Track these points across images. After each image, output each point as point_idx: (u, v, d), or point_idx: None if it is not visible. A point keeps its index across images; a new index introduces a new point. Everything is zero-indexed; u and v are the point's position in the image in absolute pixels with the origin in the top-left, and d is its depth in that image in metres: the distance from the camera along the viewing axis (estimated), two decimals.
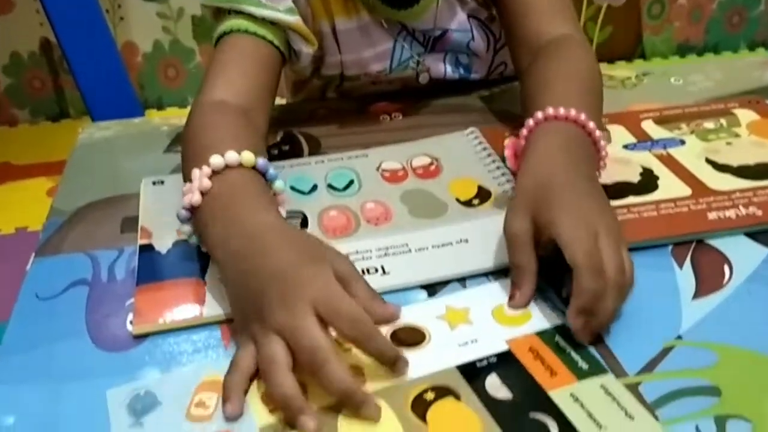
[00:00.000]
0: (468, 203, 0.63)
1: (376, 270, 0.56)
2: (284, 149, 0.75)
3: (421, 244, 0.58)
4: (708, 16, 2.42)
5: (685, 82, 0.85)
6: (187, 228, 0.57)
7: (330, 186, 0.67)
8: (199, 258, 0.59)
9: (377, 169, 0.69)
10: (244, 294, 0.49)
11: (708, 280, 0.55)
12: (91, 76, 1.41)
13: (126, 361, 0.50)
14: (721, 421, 0.44)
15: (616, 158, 0.67)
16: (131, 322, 0.53)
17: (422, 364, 0.48)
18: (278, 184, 0.58)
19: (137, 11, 2.18)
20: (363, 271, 0.56)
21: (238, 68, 0.68)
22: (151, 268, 0.58)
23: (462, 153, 0.71)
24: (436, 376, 0.47)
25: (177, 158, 0.74)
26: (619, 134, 0.72)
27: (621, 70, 0.85)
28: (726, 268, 0.56)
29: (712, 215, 0.60)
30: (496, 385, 0.47)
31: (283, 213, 0.58)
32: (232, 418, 0.45)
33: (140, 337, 0.52)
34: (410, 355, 0.48)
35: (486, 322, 0.51)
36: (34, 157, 1.94)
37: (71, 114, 2.28)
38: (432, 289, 0.55)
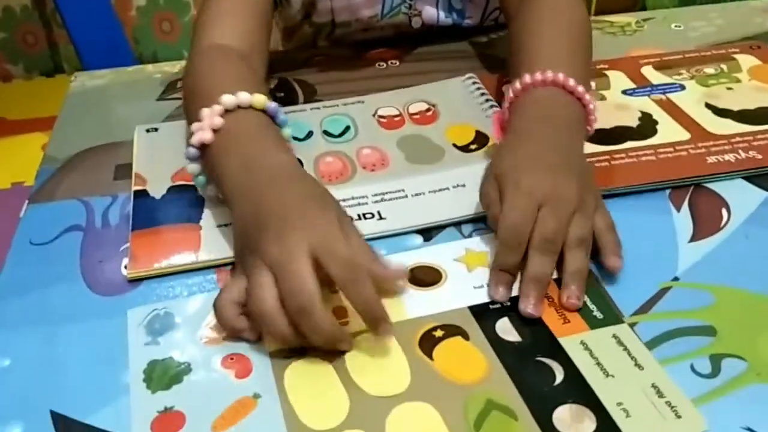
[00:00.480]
0: (465, 148, 0.63)
1: (372, 215, 0.56)
2: (279, 96, 0.74)
3: (417, 190, 0.58)
4: None
5: (686, 28, 0.83)
6: (194, 167, 0.56)
7: (326, 132, 0.66)
8: (194, 204, 0.58)
9: (373, 115, 0.68)
10: (247, 228, 0.48)
11: (705, 223, 0.54)
12: (84, 29, 1.39)
13: (121, 305, 0.50)
14: (716, 360, 0.44)
15: (615, 104, 0.67)
16: (126, 267, 0.53)
17: (435, 303, 0.48)
18: (286, 131, 0.57)
19: None
20: (359, 217, 0.56)
21: (234, 13, 0.67)
22: (146, 213, 0.58)
23: (459, 99, 0.70)
24: (447, 315, 0.47)
25: (170, 106, 0.74)
26: (618, 80, 0.71)
27: (621, 15, 0.83)
28: (724, 211, 0.55)
29: (711, 159, 0.59)
30: (506, 328, 0.46)
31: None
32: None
33: (135, 282, 0.52)
34: (424, 293, 0.49)
35: None
36: (29, 112, 1.92)
37: (65, 69, 2.25)
38: (428, 234, 0.55)
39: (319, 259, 0.44)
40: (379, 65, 0.79)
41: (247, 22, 0.67)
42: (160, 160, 0.64)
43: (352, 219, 0.49)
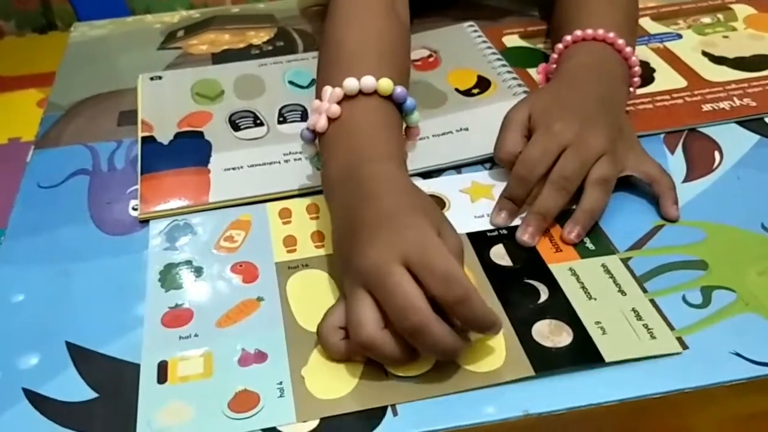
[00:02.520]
0: (467, 93, 0.64)
1: None
2: (278, 45, 0.75)
3: (420, 134, 0.59)
4: None
5: None
6: (309, 149, 0.52)
7: None
8: (202, 149, 0.59)
9: None
10: (342, 243, 0.44)
11: (698, 165, 0.56)
12: None
13: (130, 243, 0.52)
14: (707, 292, 0.45)
15: None
16: (134, 208, 0.54)
17: None
18: (414, 117, 0.52)
19: None
20: None
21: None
22: (154, 158, 0.59)
23: (461, 45, 0.70)
24: None
25: (171, 55, 0.74)
26: None
27: None
28: (716, 154, 0.57)
29: (706, 107, 0.60)
30: (500, 254, 0.49)
31: (414, 146, 0.55)
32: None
33: (143, 222, 0.53)
34: None
35: None
36: (23, 68, 1.91)
37: (58, 26, 2.22)
38: (428, 176, 0.56)
39: (414, 271, 0.39)
40: None
41: None
42: (165, 107, 0.65)
43: (451, 226, 0.44)
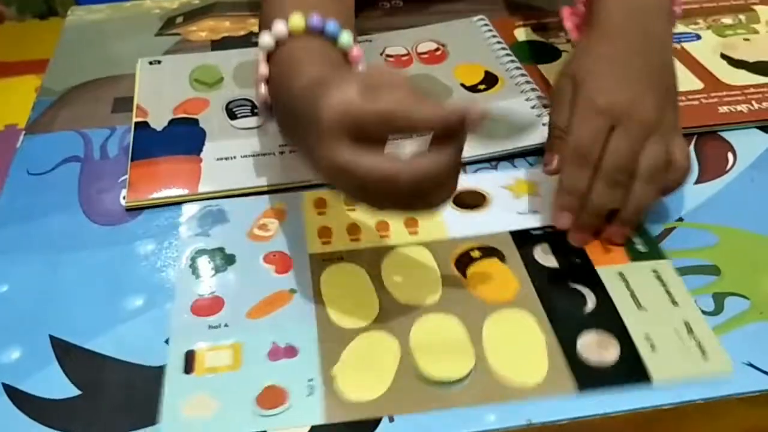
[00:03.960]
0: (473, 88, 0.62)
1: None
2: None
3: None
4: None
5: None
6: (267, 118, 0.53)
7: None
8: (195, 137, 0.58)
9: (381, 54, 0.67)
10: (291, 137, 0.45)
11: (711, 166, 0.54)
12: None
13: (120, 234, 0.50)
14: (719, 298, 0.44)
15: None
16: (125, 198, 0.53)
17: (476, 225, 0.49)
18: (344, 39, 0.48)
19: None
20: None
21: None
22: (146, 145, 0.57)
23: (469, 39, 0.68)
24: (486, 237, 0.48)
25: (169, 41, 0.72)
26: None
27: None
28: (729, 155, 0.55)
29: (722, 109, 0.58)
30: (544, 253, 0.47)
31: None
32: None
33: (134, 212, 0.52)
34: (467, 216, 0.49)
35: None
36: (22, 54, 1.89)
37: (59, 12, 2.20)
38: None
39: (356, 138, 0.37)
40: (382, 5, 0.77)
41: None
42: (162, 92, 0.63)
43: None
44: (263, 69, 0.48)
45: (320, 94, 0.38)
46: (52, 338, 0.43)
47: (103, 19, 0.78)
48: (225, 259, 0.48)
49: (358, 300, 0.43)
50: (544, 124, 0.53)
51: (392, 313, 0.43)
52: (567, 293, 0.44)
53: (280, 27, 0.47)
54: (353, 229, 0.49)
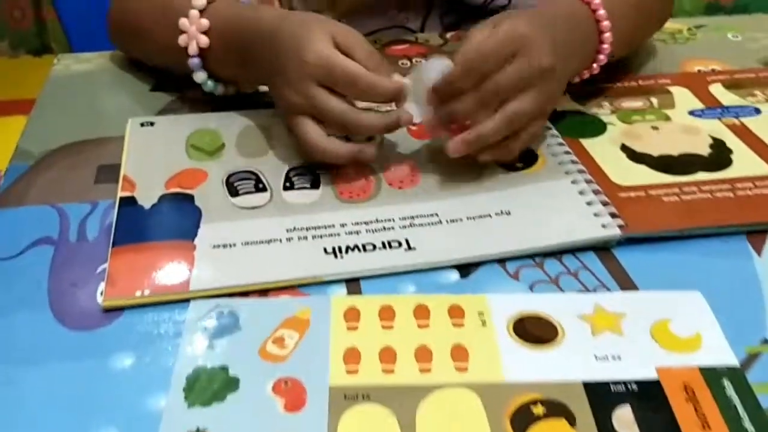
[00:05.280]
0: (510, 166, 0.54)
1: (399, 244, 0.47)
2: None
3: (453, 215, 0.49)
4: None
5: (743, 39, 0.75)
6: (201, 75, 0.59)
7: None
8: (190, 216, 0.50)
9: None
10: (274, 94, 0.55)
11: None
12: (75, 7, 1.29)
13: (93, 342, 0.42)
14: None
15: (682, 126, 0.58)
16: (102, 293, 0.44)
17: (542, 368, 0.39)
18: None
19: None
20: (383, 245, 0.47)
21: None
22: (131, 226, 0.49)
23: None
24: (554, 387, 0.38)
25: (166, 98, 0.65)
26: (684, 98, 0.62)
27: (670, 22, 0.75)
28: None
29: None
30: (626, 420, 0.37)
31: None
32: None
33: (112, 312, 0.43)
34: (531, 353, 0.40)
35: (640, 337, 0.41)
36: (12, 92, 1.82)
37: (54, 49, 2.14)
38: (465, 270, 0.46)
39: (326, 85, 0.50)
40: (402, 63, 0.70)
41: None
42: (154, 160, 0.55)
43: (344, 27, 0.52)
44: (205, 21, 0.57)
45: (303, 35, 0.50)
46: None
47: (92, 70, 0.70)
48: (226, 384, 0.39)
49: None
50: None
51: None
52: None
53: None
54: (387, 354, 0.40)
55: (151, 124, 0.60)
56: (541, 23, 0.51)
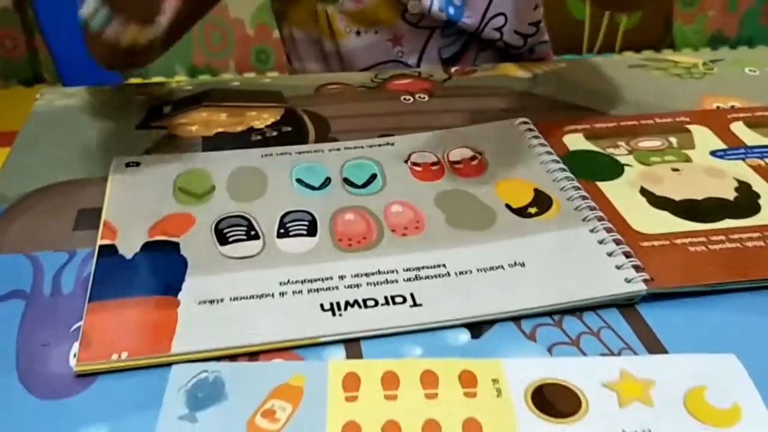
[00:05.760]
0: (522, 212, 0.50)
1: (404, 299, 0.43)
2: (285, 131, 0.62)
3: (462, 266, 0.45)
4: (746, 6, 2.28)
5: (761, 73, 0.71)
6: (89, 6, 0.51)
7: (346, 181, 0.54)
8: (174, 267, 0.46)
9: (406, 161, 0.55)
10: None
11: None
12: (64, 38, 1.26)
13: (64, 413, 0.37)
14: None
15: (705, 168, 0.54)
16: (75, 356, 0.40)
17: None
18: None
19: None
20: (386, 300, 0.43)
21: None
22: (110, 278, 0.45)
23: (512, 147, 0.57)
24: None
25: (152, 136, 0.61)
26: (704, 137, 0.58)
27: (685, 56, 0.72)
28: None
29: None
30: None
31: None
32: None
33: (86, 377, 0.39)
34: (553, 428, 0.36)
35: (673, 408, 0.37)
36: (3, 124, 1.78)
37: (46, 79, 2.11)
38: (477, 329, 0.42)
39: None
40: (404, 99, 0.66)
41: None
42: (138, 204, 0.51)
43: None
44: None
45: None
46: None
47: (76, 105, 0.67)
48: None
49: None
50: None
51: None
52: None
53: None
54: (391, 430, 0.35)
55: (137, 164, 0.56)
56: None
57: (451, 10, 0.72)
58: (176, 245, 0.48)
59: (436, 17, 0.72)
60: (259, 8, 2.08)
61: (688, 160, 0.55)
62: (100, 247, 0.47)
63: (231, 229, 0.49)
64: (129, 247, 0.47)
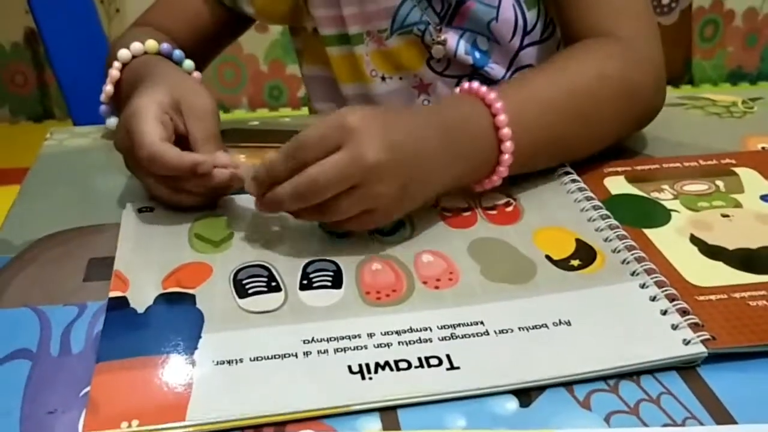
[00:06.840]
0: (565, 264, 0.46)
1: (440, 361, 0.39)
2: None
3: (502, 324, 0.42)
4: (765, 42, 2.27)
5: None
6: (112, 120, 0.62)
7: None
8: (190, 322, 0.42)
9: (435, 206, 0.52)
10: None
11: None
12: (75, 75, 1.24)
13: None
14: None
15: (756, 214, 0.51)
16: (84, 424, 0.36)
17: None
18: (187, 64, 0.62)
19: (135, 3, 2.01)
20: (420, 362, 0.39)
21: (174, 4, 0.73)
22: (120, 335, 0.42)
23: (548, 191, 0.54)
24: None
25: None
26: (753, 180, 0.55)
27: (722, 94, 0.69)
28: None
29: None
30: None
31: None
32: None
33: None
34: None
35: None
36: (12, 161, 1.76)
37: (56, 115, 2.11)
38: (525, 395, 0.38)
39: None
40: None
41: (185, 11, 0.73)
42: (151, 253, 0.49)
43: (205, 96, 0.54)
44: (115, 73, 0.61)
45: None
46: None
47: (88, 146, 0.64)
48: None
49: None
50: None
51: None
52: None
53: (137, 46, 0.60)
54: None
55: (151, 209, 0.53)
56: (386, 119, 0.47)
57: (477, 55, 0.69)
58: (192, 297, 0.44)
59: (461, 61, 0.69)
60: (272, 44, 2.08)
61: (738, 205, 0.52)
62: (110, 299, 0.44)
63: (250, 280, 0.46)
64: (141, 299, 0.44)
